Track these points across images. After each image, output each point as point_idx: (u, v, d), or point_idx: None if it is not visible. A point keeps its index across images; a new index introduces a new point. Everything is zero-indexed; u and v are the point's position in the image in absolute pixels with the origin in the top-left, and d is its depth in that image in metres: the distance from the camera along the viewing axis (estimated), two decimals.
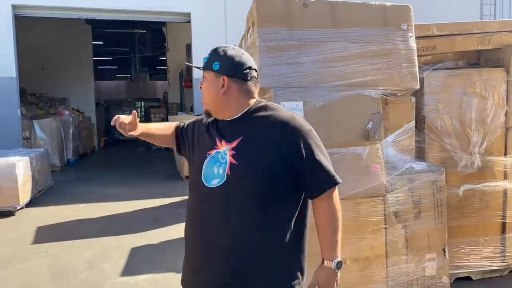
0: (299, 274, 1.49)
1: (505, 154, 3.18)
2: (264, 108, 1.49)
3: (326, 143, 2.49)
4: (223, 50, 1.47)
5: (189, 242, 1.54)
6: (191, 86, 10.28)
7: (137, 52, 18.46)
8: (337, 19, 2.66)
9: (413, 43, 2.75)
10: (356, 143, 2.59)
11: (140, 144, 16.17)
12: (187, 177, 7.83)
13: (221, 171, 1.42)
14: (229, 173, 1.40)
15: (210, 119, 1.55)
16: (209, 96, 1.49)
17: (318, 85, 2.57)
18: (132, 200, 6.25)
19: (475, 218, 3.18)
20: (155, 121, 13.93)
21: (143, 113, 23.70)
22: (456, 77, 3.09)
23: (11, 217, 5.37)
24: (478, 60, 3.32)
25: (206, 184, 1.44)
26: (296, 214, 1.47)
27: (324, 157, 1.46)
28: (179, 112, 9.67)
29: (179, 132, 1.72)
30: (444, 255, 2.85)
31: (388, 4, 2.72)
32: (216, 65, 1.46)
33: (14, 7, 7.74)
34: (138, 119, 1.64)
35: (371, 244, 2.65)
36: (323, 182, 1.45)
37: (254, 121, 1.46)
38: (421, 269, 2.79)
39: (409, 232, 2.75)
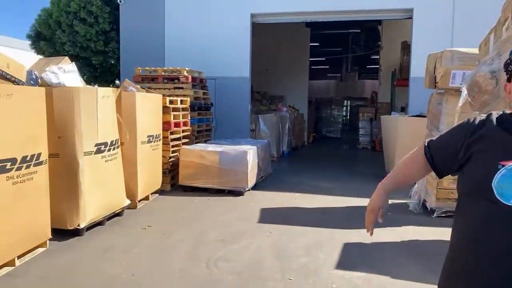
0: None
1: None
2: None
3: None
4: None
5: (474, 270, 1.33)
6: (405, 85, 9.86)
7: (350, 52, 18.77)
8: None
9: None
10: None
11: (345, 141, 16.52)
12: None
13: None
14: None
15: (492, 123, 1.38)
16: None
17: None
18: (340, 196, 6.44)
19: None
20: (363, 120, 13.92)
21: (349, 112, 24.07)
22: None
23: (241, 197, 6.26)
24: None
25: (502, 200, 1.25)
26: None
27: None
28: (392, 112, 9.38)
29: (435, 159, 1.52)
30: None
31: None
32: None
33: (252, 16, 8.93)
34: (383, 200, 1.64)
35: None
36: None
37: None
38: None
39: None
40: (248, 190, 6.47)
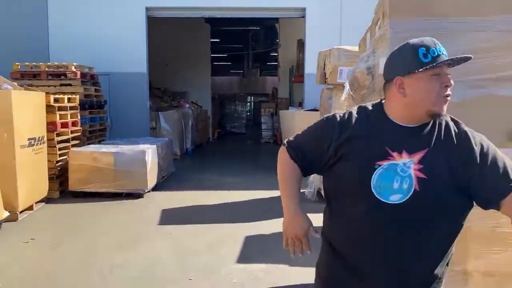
0: None
1: None
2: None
3: None
4: None
5: (357, 256, 1.36)
6: (301, 81, 10.32)
7: (250, 49, 19.14)
8: (482, 5, 2.39)
9: None
10: (498, 144, 2.31)
11: (249, 136, 16.84)
12: None
13: (404, 186, 1.25)
14: (417, 190, 1.25)
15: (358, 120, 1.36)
16: None
17: (459, 79, 2.34)
18: (244, 190, 6.52)
19: None
20: (265, 115, 14.29)
21: (252, 107, 24.62)
22: None
23: (140, 199, 5.99)
24: None
25: (381, 199, 1.26)
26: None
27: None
28: (290, 107, 9.79)
29: (304, 163, 1.46)
30: None
31: None
32: None
33: (147, 9, 8.58)
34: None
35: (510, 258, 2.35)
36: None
37: (435, 131, 1.32)
38: None
39: None
40: (148, 191, 6.22)
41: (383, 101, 1.39)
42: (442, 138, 1.31)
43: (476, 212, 2.30)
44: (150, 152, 6.23)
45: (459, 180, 1.27)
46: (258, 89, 22.76)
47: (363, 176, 1.28)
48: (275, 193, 6.30)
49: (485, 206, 1.33)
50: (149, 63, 8.96)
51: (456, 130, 1.33)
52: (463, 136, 1.32)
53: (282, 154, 1.52)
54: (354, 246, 1.34)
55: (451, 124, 1.35)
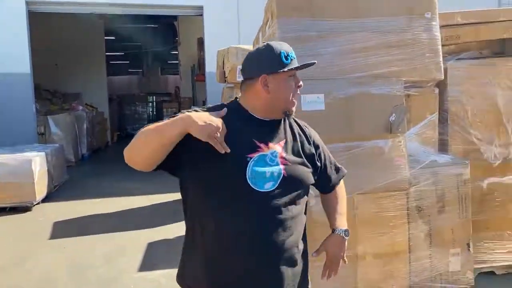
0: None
1: None
2: None
3: (348, 136, 2.49)
4: None
5: (238, 248, 1.38)
6: (203, 80, 10.26)
7: (149, 47, 18.49)
8: (359, 8, 2.58)
9: (437, 33, 2.66)
10: (378, 136, 2.52)
11: None
12: None
13: (275, 174, 1.38)
14: (285, 176, 1.39)
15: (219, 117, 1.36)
16: None
17: (340, 77, 2.50)
18: (148, 194, 6.27)
19: (499, 212, 3.09)
20: (168, 116, 13.94)
21: (154, 108, 23.83)
22: (480, 67, 2.99)
23: (28, 213, 5.42)
24: (502, 49, 3.20)
25: (256, 189, 1.35)
26: None
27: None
28: (192, 107, 9.65)
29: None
30: (469, 250, 2.77)
31: None
32: None
33: (28, 3, 7.76)
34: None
35: (394, 239, 2.58)
36: (338, 170, 1.67)
37: (284, 124, 1.51)
38: (445, 265, 2.72)
39: (432, 227, 2.68)
40: (38, 203, 5.65)
41: (238, 99, 1.51)
42: (292, 131, 1.51)
43: (361, 199, 2.52)
44: (37, 161, 5.67)
45: (311, 166, 1.51)
46: (160, 89, 22.09)
47: (238, 169, 1.35)
48: (179, 195, 6.16)
49: (322, 191, 1.68)
50: (35, 63, 8.11)
51: (300, 126, 1.56)
52: (307, 132, 1.56)
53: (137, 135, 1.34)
54: (238, 238, 1.36)
55: (293, 120, 1.55)
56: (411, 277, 2.65)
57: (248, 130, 1.42)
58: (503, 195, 3.07)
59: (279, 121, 1.48)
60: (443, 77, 2.70)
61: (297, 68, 1.44)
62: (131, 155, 1.34)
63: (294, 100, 1.45)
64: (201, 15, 8.98)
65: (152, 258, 3.83)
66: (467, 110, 2.97)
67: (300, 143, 1.50)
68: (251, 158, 1.36)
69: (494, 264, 3.12)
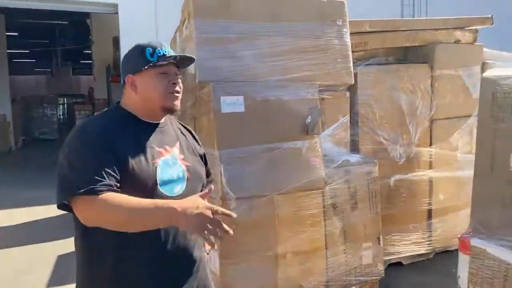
0: None
1: (430, 145, 3.39)
2: None
3: (267, 138, 2.52)
4: None
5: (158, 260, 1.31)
6: (120, 81, 9.81)
7: (58, 45, 17.21)
8: (275, 12, 2.64)
9: (347, 39, 2.82)
10: (296, 137, 2.60)
11: (60, 145, 15.15)
12: None
13: (180, 176, 1.37)
14: (189, 176, 1.40)
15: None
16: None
17: (259, 80, 2.53)
18: (54, 204, 5.75)
19: (404, 207, 3.36)
20: (80, 119, 13.13)
21: (66, 110, 22.26)
22: (386, 73, 3.23)
23: None
24: (405, 56, 3.49)
25: (169, 194, 1.31)
26: None
27: None
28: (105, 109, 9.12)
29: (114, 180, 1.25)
30: (379, 243, 2.97)
31: None
32: None
33: None
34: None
35: (311, 237, 2.68)
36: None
37: (172, 126, 1.49)
38: (359, 258, 2.88)
39: (346, 223, 2.82)
40: None
41: (120, 104, 1.42)
42: (180, 131, 1.50)
43: (280, 199, 2.57)
44: None
45: (203, 165, 1.54)
46: (72, 90, 20.74)
47: (150, 179, 1.28)
48: None
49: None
50: None
51: (186, 127, 1.57)
52: (193, 133, 1.58)
53: (94, 204, 1.17)
54: (150, 244, 1.28)
55: (174, 121, 1.54)
56: (328, 273, 2.77)
57: (144, 136, 1.35)
58: (407, 191, 3.35)
59: (163, 124, 1.43)
60: (353, 82, 2.86)
61: (159, 64, 1.33)
62: (101, 223, 1.20)
63: (171, 96, 1.35)
64: (116, 13, 8.59)
65: (62, 273, 3.55)
66: (375, 113, 3.19)
67: (191, 142, 1.52)
68: (156, 164, 1.32)
69: (401, 255, 3.38)
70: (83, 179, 1.18)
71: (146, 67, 1.33)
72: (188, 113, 3.00)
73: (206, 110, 2.59)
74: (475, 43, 3.51)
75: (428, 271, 3.38)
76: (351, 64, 2.83)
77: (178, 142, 1.44)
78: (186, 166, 1.40)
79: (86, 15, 13.28)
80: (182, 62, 1.43)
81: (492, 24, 3.47)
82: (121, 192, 1.21)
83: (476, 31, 3.46)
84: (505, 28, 5.91)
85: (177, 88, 1.38)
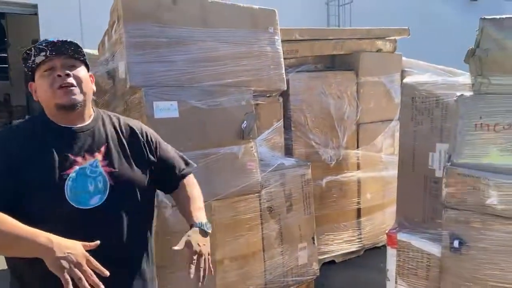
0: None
1: (357, 147, 3.59)
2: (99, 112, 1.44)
3: (203, 144, 2.51)
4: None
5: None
6: None
7: None
8: (207, 18, 2.63)
9: (279, 46, 2.89)
10: (232, 142, 2.61)
11: None
12: None
13: (100, 185, 1.24)
14: (112, 183, 1.27)
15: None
16: (88, 88, 1.32)
17: (193, 85, 2.51)
18: None
19: (335, 206, 3.51)
20: None
21: None
22: (316, 79, 3.37)
23: None
24: (333, 63, 3.67)
25: (82, 207, 1.21)
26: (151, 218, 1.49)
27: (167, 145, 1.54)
28: (27, 116, 8.47)
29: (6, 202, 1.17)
30: (313, 243, 3.07)
31: (256, 7, 2.80)
32: (86, 58, 1.34)
33: None
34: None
35: (249, 241, 2.70)
36: (186, 164, 1.54)
37: (104, 126, 1.36)
38: (295, 259, 2.95)
39: (283, 225, 2.88)
40: None
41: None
42: (114, 130, 1.37)
43: (217, 205, 2.56)
44: None
45: (143, 166, 1.37)
46: None
47: (55, 191, 1.19)
48: None
49: (167, 191, 1.56)
50: None
51: (121, 123, 1.41)
52: (130, 127, 1.42)
53: None
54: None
55: (114, 118, 1.42)
56: (266, 275, 2.81)
57: (60, 144, 1.25)
58: (338, 191, 3.51)
59: (88, 126, 1.32)
60: (285, 88, 2.95)
61: (43, 61, 1.24)
62: None
63: (60, 91, 1.24)
64: (36, 14, 8.05)
65: None
66: (307, 117, 3.31)
67: (128, 142, 1.37)
68: (68, 175, 1.21)
69: (334, 254, 3.53)
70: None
71: (30, 72, 1.28)
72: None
73: (138, 116, 2.50)
74: (395, 52, 3.78)
75: (359, 267, 3.56)
76: (283, 71, 2.91)
77: (105, 145, 1.31)
78: (110, 172, 1.27)
79: (1, 15, 12.30)
80: (66, 50, 1.28)
81: (409, 35, 3.77)
82: (24, 207, 1.15)
83: (395, 41, 3.74)
84: (419, 38, 6.42)
85: (68, 80, 1.24)
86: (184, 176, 1.52)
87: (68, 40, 1.29)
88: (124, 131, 1.39)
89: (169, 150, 1.52)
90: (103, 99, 3.00)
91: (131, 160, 1.34)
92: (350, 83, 3.49)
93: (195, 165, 1.59)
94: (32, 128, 1.28)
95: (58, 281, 1.04)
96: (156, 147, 1.45)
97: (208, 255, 1.36)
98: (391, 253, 1.95)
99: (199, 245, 1.32)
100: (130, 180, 1.32)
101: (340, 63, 3.64)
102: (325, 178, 3.41)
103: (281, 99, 3.09)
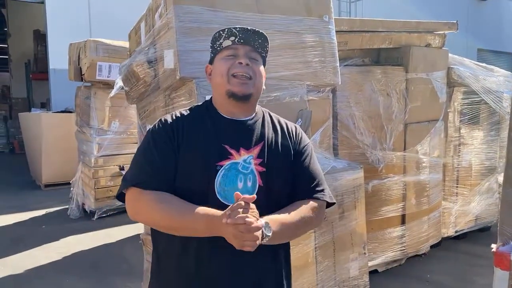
0: None
1: (404, 149, 3.33)
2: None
3: None
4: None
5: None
6: (44, 79, 8.88)
7: None
8: (262, 3, 2.37)
9: (334, 36, 2.63)
10: None
11: None
12: (46, 185, 6.67)
13: (249, 184, 1.19)
14: (261, 184, 1.21)
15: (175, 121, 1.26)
16: (260, 84, 1.28)
17: None
18: None
19: (380, 212, 3.26)
20: None
21: None
22: (364, 74, 3.10)
23: None
24: (378, 58, 3.41)
25: (228, 204, 1.12)
26: None
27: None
28: (32, 109, 8.13)
29: (168, 185, 1.20)
30: (364, 253, 2.82)
31: None
32: (267, 55, 1.32)
33: None
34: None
35: (302, 251, 2.45)
36: (323, 192, 1.36)
37: (264, 124, 1.31)
38: (346, 271, 2.70)
39: (335, 234, 2.63)
40: None
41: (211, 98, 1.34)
42: (272, 130, 1.31)
43: None
44: None
45: (292, 171, 1.29)
46: None
47: (205, 180, 1.18)
48: (23, 216, 5.08)
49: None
50: None
51: (281, 123, 1.35)
52: (287, 129, 1.35)
53: (140, 200, 1.16)
54: (205, 257, 1.20)
55: (274, 118, 1.37)
56: None
57: (219, 133, 1.23)
58: (384, 196, 3.25)
59: (251, 120, 1.29)
60: (340, 82, 2.68)
61: (224, 46, 1.24)
62: (144, 221, 1.33)
63: (233, 77, 1.22)
64: (42, 2, 7.73)
65: None
66: (355, 116, 3.04)
67: (282, 144, 1.29)
68: (221, 166, 1.19)
69: (377, 262, 3.28)
70: (136, 173, 1.19)
71: (212, 55, 1.29)
72: (159, 115, 2.61)
73: None
74: (443, 48, 3.54)
75: (404, 277, 3.32)
76: (338, 64, 2.65)
77: (262, 143, 1.25)
78: (261, 172, 1.21)
79: (1, 4, 11.95)
80: (253, 40, 1.26)
81: (457, 29, 3.52)
82: (177, 189, 1.17)
83: (445, 35, 3.48)
84: None
85: (247, 70, 1.22)
86: (309, 195, 1.29)
87: (260, 31, 1.27)
88: (281, 132, 1.33)
89: (314, 165, 1.36)
90: (139, 91, 2.72)
91: (282, 164, 1.27)
92: (399, 79, 3.23)
93: (334, 202, 1.37)
94: (196, 115, 1.27)
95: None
96: (301, 153, 1.33)
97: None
98: (501, 276, 1.67)
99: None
100: (278, 183, 1.25)
101: (385, 57, 3.39)
102: (371, 182, 3.15)
103: (331, 95, 2.83)
